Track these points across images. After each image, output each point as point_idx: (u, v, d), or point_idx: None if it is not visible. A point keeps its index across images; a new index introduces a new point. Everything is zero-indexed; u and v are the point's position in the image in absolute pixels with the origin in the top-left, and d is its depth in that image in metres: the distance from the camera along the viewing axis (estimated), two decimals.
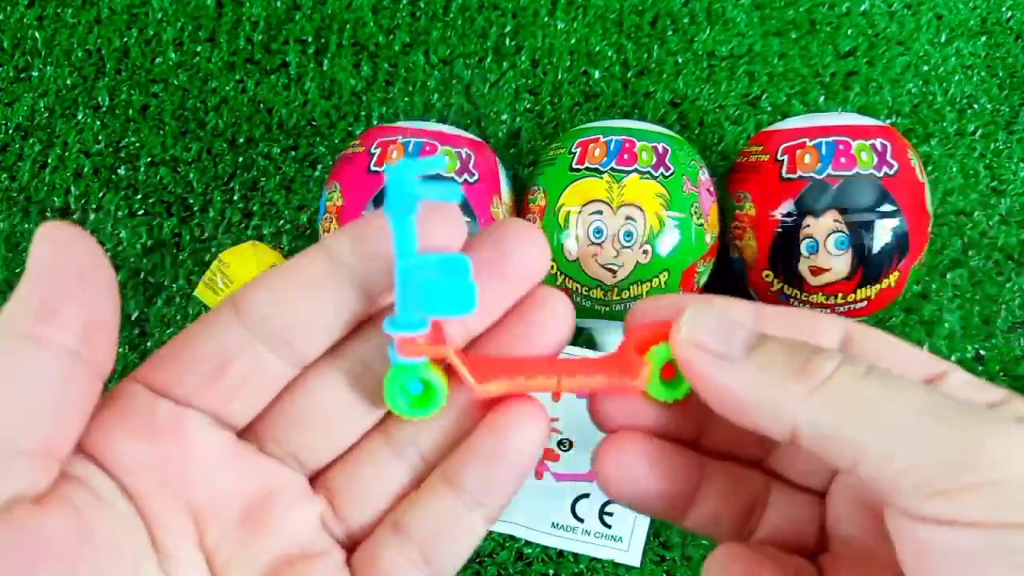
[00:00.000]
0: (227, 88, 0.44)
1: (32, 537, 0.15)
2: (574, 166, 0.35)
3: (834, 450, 0.16)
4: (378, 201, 0.35)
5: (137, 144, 0.44)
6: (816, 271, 0.35)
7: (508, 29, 0.45)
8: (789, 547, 0.20)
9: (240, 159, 0.44)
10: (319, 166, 0.44)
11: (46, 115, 0.44)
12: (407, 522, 0.19)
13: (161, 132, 0.44)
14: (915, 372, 0.17)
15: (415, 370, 0.19)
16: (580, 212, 0.34)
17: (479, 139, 0.38)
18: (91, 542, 0.16)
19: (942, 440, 0.14)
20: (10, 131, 0.44)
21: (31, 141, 0.44)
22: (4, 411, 0.15)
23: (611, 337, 0.38)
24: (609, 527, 0.38)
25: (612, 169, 0.35)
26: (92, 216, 0.43)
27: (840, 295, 0.35)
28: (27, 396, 0.15)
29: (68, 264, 0.16)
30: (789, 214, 0.35)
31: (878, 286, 0.35)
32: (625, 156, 0.35)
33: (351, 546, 0.20)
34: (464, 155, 0.36)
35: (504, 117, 0.44)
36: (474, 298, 0.17)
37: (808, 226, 0.34)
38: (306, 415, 0.19)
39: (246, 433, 0.19)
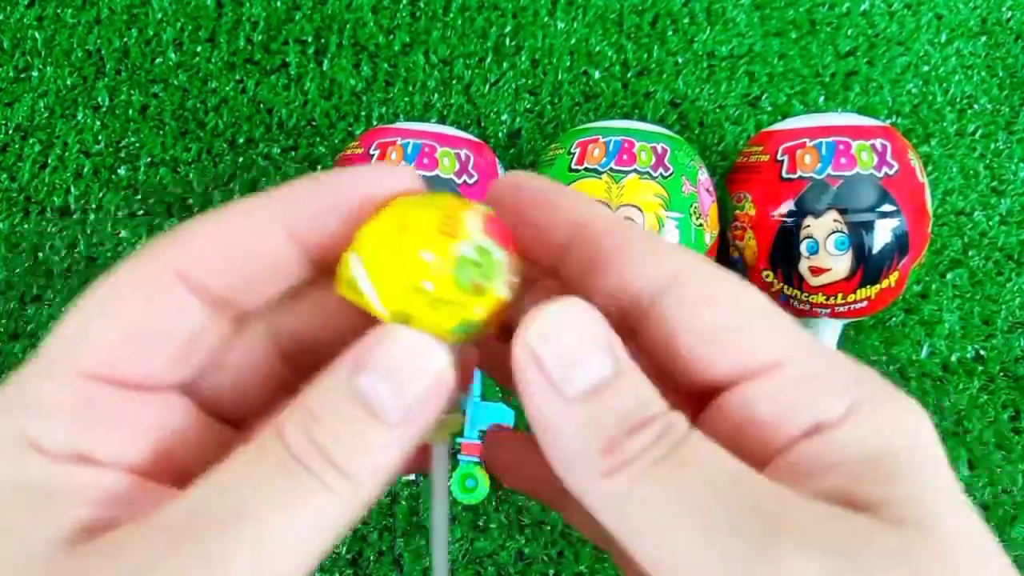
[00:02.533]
0: (227, 88, 0.45)
1: None
2: (573, 167, 0.35)
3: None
4: None
5: (137, 144, 0.44)
6: (816, 271, 0.35)
7: (508, 29, 0.45)
8: None
9: (240, 159, 0.44)
10: (319, 166, 0.44)
11: (46, 115, 0.44)
12: None
13: (161, 132, 0.44)
14: (738, 353, 0.15)
15: (472, 466, 0.38)
16: None
17: (478, 140, 0.38)
18: None
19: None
20: (10, 131, 0.44)
21: (31, 141, 0.44)
22: None
23: None
24: None
25: (611, 170, 0.35)
26: (92, 216, 0.43)
27: (840, 295, 0.35)
28: None
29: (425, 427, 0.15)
30: (789, 214, 0.35)
31: (878, 286, 0.35)
32: (624, 156, 0.35)
33: None
34: (463, 156, 0.36)
35: (504, 117, 0.44)
36: (512, 417, 0.32)
37: (808, 226, 0.34)
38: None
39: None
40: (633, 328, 0.16)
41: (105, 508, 0.14)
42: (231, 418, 0.18)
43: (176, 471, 0.16)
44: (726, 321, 0.15)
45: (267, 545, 0.13)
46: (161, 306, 0.15)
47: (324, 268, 0.17)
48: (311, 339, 0.18)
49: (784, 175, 0.35)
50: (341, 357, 0.15)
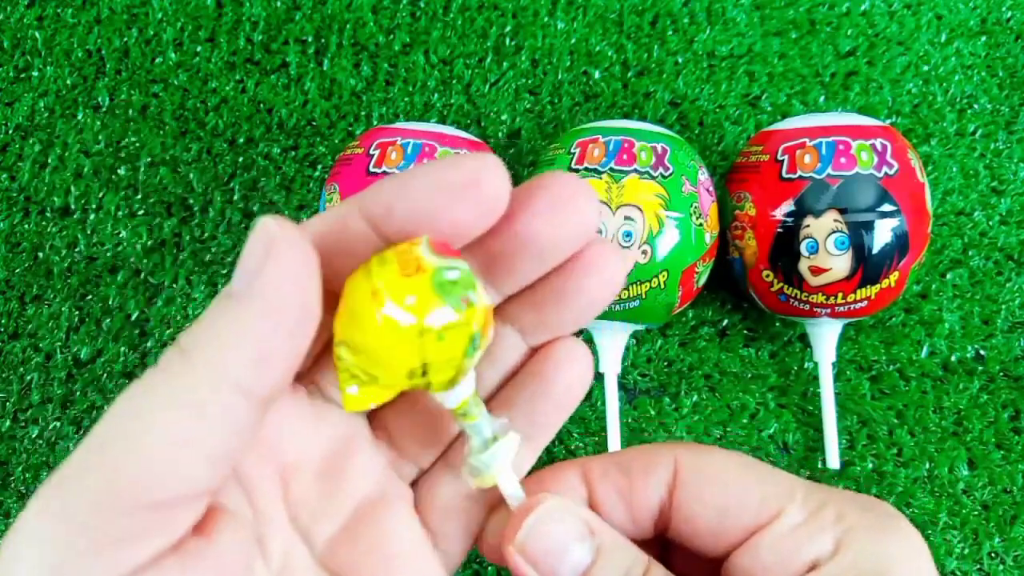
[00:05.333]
0: (227, 88, 0.45)
1: (212, 569, 0.15)
2: (573, 166, 0.35)
3: None
4: None
5: (137, 144, 0.44)
6: (816, 271, 0.35)
7: (508, 29, 0.45)
8: None
9: (240, 159, 0.44)
10: (319, 166, 0.44)
11: (46, 115, 0.45)
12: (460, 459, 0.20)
13: (161, 132, 0.44)
14: (743, 518, 0.18)
15: None
16: None
17: (478, 139, 0.38)
18: (248, 558, 0.16)
19: None
20: (10, 131, 0.44)
21: (31, 141, 0.44)
22: (196, 454, 0.14)
23: (609, 339, 0.38)
24: None
25: (611, 169, 0.35)
26: (92, 216, 0.43)
27: (840, 295, 0.35)
28: (219, 442, 0.15)
29: (292, 299, 0.15)
30: (789, 214, 0.35)
31: (878, 286, 0.35)
32: (624, 156, 0.35)
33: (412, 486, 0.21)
34: None
35: (504, 117, 0.44)
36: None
37: (808, 226, 0.34)
38: None
39: (303, 380, 0.19)
40: (666, 520, 0.19)
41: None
42: None
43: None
44: (725, 497, 0.18)
45: None
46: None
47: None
48: None
49: (784, 175, 0.35)
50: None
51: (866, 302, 0.35)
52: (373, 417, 0.20)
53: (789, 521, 0.18)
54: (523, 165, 0.44)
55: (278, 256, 0.15)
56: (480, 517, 0.20)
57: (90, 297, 0.43)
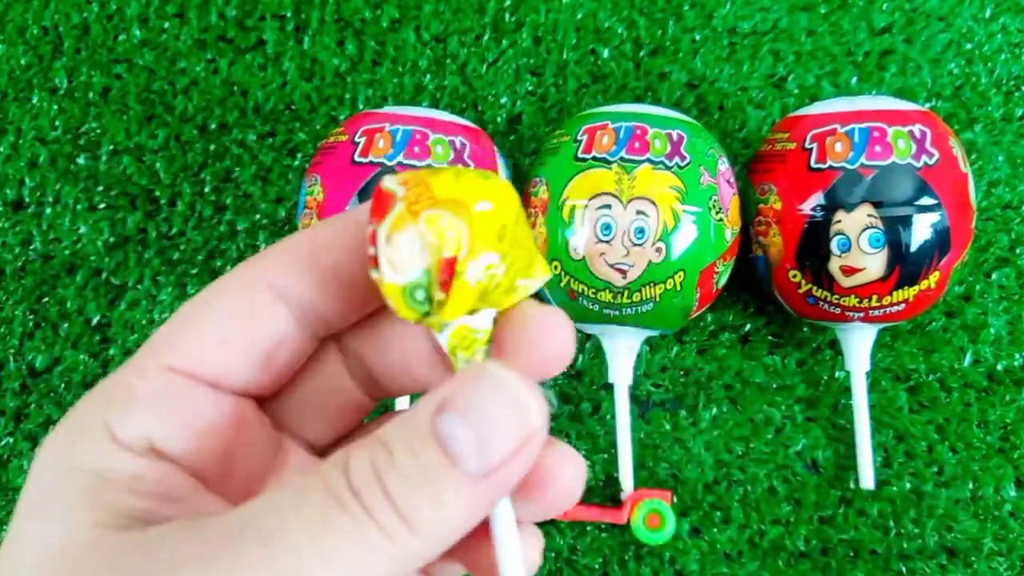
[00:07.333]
0: (197, 69, 0.44)
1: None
2: (580, 155, 0.35)
3: None
4: (363, 195, 0.34)
5: (98, 130, 0.44)
6: (848, 271, 0.35)
7: (508, 3, 0.45)
8: None
9: (212, 147, 0.44)
10: (299, 154, 0.44)
11: None
12: None
13: (125, 117, 0.44)
14: None
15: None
16: (587, 206, 0.34)
17: (475, 125, 0.38)
18: None
19: None
20: None
21: None
22: None
23: (620, 346, 0.38)
24: None
25: (622, 159, 0.35)
26: (49, 210, 0.43)
27: (875, 297, 0.35)
28: None
29: (505, 492, 0.16)
30: (818, 208, 0.35)
31: (917, 287, 0.35)
32: (636, 144, 0.35)
33: None
34: (458, 144, 0.36)
35: (503, 100, 0.44)
36: None
37: (839, 221, 0.34)
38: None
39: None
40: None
41: (157, 502, 0.16)
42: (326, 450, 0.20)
43: (243, 483, 0.18)
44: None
45: None
46: (249, 309, 0.17)
47: None
48: (399, 374, 0.19)
49: (813, 165, 0.35)
50: (429, 393, 0.16)
51: (903, 305, 0.35)
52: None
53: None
54: (524, 153, 0.43)
55: (527, 459, 0.15)
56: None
57: (46, 300, 0.42)
